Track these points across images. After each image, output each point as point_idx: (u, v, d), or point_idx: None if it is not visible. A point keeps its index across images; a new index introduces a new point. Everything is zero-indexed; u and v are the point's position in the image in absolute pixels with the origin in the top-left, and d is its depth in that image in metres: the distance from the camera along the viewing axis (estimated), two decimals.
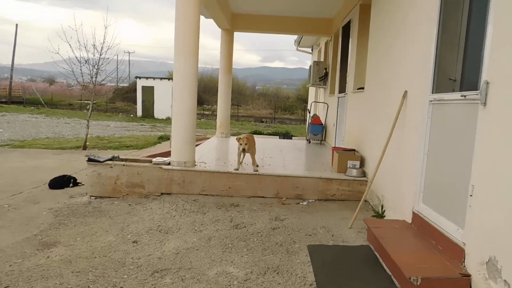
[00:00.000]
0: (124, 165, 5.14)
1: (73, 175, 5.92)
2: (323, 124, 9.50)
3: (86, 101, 39.03)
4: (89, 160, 5.07)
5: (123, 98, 43.01)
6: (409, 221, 3.77)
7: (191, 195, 5.19)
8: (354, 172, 5.32)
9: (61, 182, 5.61)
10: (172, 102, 5.28)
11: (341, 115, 7.77)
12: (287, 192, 5.23)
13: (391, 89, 4.54)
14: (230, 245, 3.69)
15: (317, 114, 9.90)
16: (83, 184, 5.82)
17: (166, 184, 5.21)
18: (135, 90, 29.26)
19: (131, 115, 29.36)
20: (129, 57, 67.31)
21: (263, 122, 32.14)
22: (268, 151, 7.43)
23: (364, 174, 5.36)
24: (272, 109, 39.66)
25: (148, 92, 27.39)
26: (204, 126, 24.45)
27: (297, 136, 18.09)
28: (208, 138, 9.71)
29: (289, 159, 6.62)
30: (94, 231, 3.97)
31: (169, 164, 5.32)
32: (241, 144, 5.19)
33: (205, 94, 45.84)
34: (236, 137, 5.44)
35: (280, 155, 7.05)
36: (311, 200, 5.20)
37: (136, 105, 29.24)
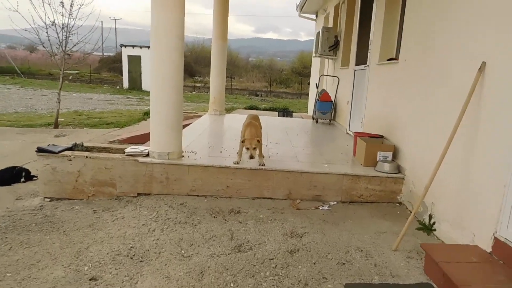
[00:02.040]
0: (87, 157, 3.87)
1: (26, 167, 4.64)
2: (333, 101, 8.24)
3: (69, 72, 36.95)
4: (39, 150, 3.79)
5: (110, 68, 40.89)
6: (487, 248, 2.64)
7: (177, 197, 3.99)
8: (386, 166, 4.14)
9: (9, 177, 4.35)
10: (150, 73, 3.97)
11: (358, 91, 6.51)
12: (302, 192, 4.06)
13: (453, 59, 3.28)
14: (232, 284, 2.53)
15: (326, 89, 8.62)
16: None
17: (144, 182, 3.98)
18: (121, 60, 27.34)
19: (117, 87, 27.62)
20: (115, 25, 64.24)
21: (258, 95, 30.69)
22: (272, 134, 6.20)
23: (399, 169, 4.18)
24: (266, 82, 38.10)
25: (135, 62, 25.56)
26: (196, 99, 22.98)
27: (296, 111, 16.83)
28: (200, 117, 8.41)
29: (299, 146, 5.41)
30: (36, 260, 2.76)
31: (147, 155, 4.08)
32: (248, 148, 3.93)
33: (197, 65, 43.96)
34: (241, 137, 4.15)
35: (287, 140, 5.83)
36: (332, 203, 4.04)
37: (122, 76, 27.42)
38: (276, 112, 15.72)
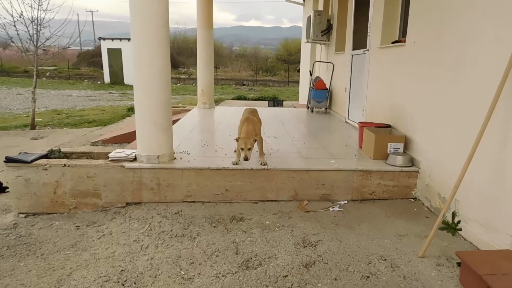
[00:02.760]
0: (65, 165, 3.40)
1: None
2: (328, 88, 7.86)
3: (46, 68, 35.54)
4: (8, 160, 3.29)
5: (89, 62, 39.55)
6: None
7: (171, 205, 3.57)
8: (399, 159, 3.79)
9: None
10: (134, 68, 3.49)
11: (357, 77, 6.13)
12: (309, 192, 3.68)
13: (476, 41, 2.91)
14: None
15: (320, 76, 8.22)
16: None
17: (132, 190, 3.54)
18: (101, 54, 26.31)
19: (99, 82, 26.67)
20: (93, 17, 62.16)
21: (244, 85, 30.11)
22: (268, 127, 5.80)
23: (412, 161, 3.84)
24: (252, 70, 37.49)
25: (115, 55, 24.62)
26: (182, 91, 22.32)
27: (286, 100, 16.41)
28: (188, 111, 7.93)
29: (299, 139, 5.02)
30: None
31: (134, 159, 3.63)
32: (242, 149, 3.49)
33: (180, 56, 43.03)
34: (238, 134, 3.73)
35: (285, 133, 5.44)
36: (343, 202, 3.68)
37: (103, 70, 26.44)
38: (266, 102, 15.30)
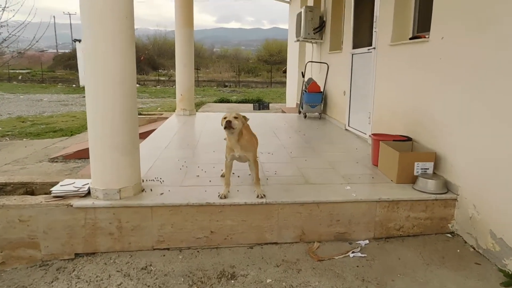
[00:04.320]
0: None
1: None
2: (323, 91, 7.06)
3: (19, 71, 33.66)
4: None
5: (65, 65, 37.94)
6: None
7: (137, 255, 2.65)
8: (431, 184, 2.98)
9: None
10: (85, 71, 2.57)
11: (360, 79, 5.35)
12: (320, 230, 2.83)
13: None
14: None
15: (313, 78, 7.41)
16: None
17: (84, 237, 2.61)
18: (75, 56, 24.90)
19: (74, 85, 25.24)
20: (70, 20, 59.85)
21: (226, 86, 29.18)
22: (259, 139, 4.91)
23: (446, 185, 3.04)
24: (234, 71, 36.65)
25: None
26: (161, 94, 21.22)
27: (271, 102, 15.57)
28: (166, 119, 6.98)
29: (298, 154, 4.18)
30: None
31: (88, 194, 2.69)
32: (225, 117, 2.69)
33: (160, 58, 41.99)
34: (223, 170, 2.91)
35: (280, 147, 4.58)
36: (363, 243, 2.85)
37: (78, 73, 25.03)
38: (251, 105, 14.43)
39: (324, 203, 2.79)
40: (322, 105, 7.03)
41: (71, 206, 2.56)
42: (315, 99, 6.92)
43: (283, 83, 27.28)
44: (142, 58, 37.07)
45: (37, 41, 8.45)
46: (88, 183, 2.74)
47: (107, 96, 2.56)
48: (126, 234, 2.65)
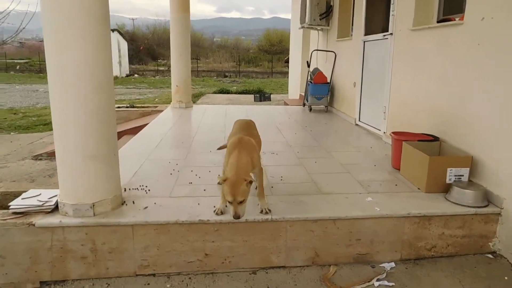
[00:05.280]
0: None
1: None
2: (330, 82, 6.54)
3: (17, 61, 32.97)
4: None
5: None
6: None
7: (115, 282, 2.18)
8: (469, 195, 2.49)
9: None
10: (46, 58, 2.06)
11: (373, 69, 4.83)
12: (337, 251, 2.36)
13: None
14: None
15: (319, 68, 6.87)
16: None
17: (51, 262, 2.14)
18: None
19: None
20: None
21: (226, 76, 28.58)
22: (261, 135, 4.41)
23: (486, 197, 2.56)
24: (234, 61, 35.99)
25: None
26: (160, 84, 20.67)
27: (272, 93, 14.99)
28: (160, 112, 6.48)
29: (307, 155, 3.69)
30: None
31: (55, 208, 2.22)
32: (230, 202, 2.03)
33: (160, 47, 41.37)
34: (223, 168, 2.36)
35: (285, 145, 4.09)
36: (389, 266, 2.38)
37: None
38: (252, 96, 13.91)
39: (342, 219, 2.31)
40: (329, 97, 6.52)
41: (33, 225, 2.08)
42: (321, 90, 6.40)
43: (285, 73, 26.64)
44: (141, 48, 36.37)
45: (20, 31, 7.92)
46: (56, 195, 2.26)
47: (73, 91, 2.06)
48: (102, 258, 2.18)
